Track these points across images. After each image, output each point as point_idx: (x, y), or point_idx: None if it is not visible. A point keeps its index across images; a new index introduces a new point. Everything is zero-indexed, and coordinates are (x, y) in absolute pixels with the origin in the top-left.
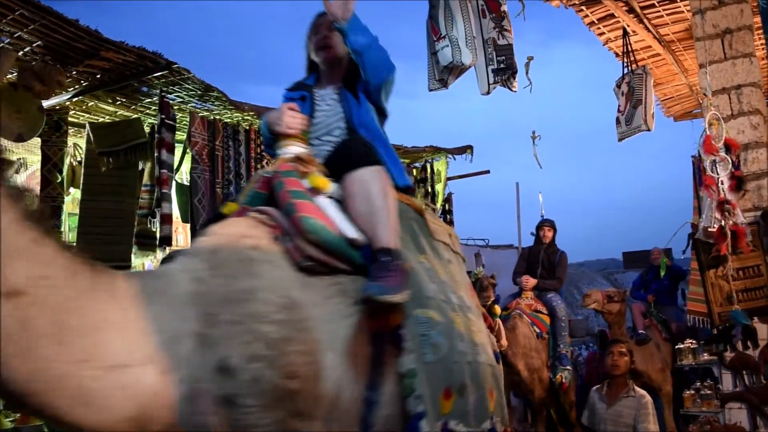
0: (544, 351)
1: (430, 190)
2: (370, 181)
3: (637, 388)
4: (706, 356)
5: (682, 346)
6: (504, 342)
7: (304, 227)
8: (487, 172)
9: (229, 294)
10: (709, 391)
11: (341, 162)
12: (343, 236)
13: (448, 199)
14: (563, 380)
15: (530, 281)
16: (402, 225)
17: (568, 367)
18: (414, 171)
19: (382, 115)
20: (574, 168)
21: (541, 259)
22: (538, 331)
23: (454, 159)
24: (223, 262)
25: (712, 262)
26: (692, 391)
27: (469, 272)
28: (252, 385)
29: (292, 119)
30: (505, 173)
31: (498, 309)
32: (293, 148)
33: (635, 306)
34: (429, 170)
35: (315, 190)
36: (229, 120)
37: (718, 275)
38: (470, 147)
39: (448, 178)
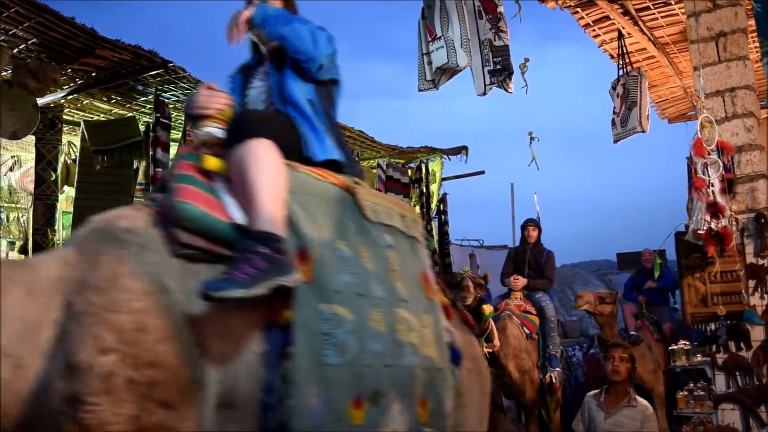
0: (534, 352)
1: (425, 190)
2: (245, 157)
3: (639, 398)
4: (699, 357)
5: (675, 347)
6: (497, 343)
7: (179, 214)
8: (482, 172)
9: (90, 280)
10: (702, 392)
11: (231, 138)
12: (233, 221)
13: (443, 200)
14: (553, 380)
15: (520, 281)
16: (312, 205)
17: (558, 368)
18: (409, 171)
19: (325, 86)
20: (568, 169)
21: (528, 259)
22: (527, 331)
23: (449, 159)
24: (92, 244)
25: (691, 263)
26: (685, 392)
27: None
28: (101, 382)
29: (206, 99)
30: (500, 174)
31: (488, 309)
32: (208, 129)
33: (627, 307)
34: (424, 171)
35: (208, 173)
36: None
37: (695, 277)
38: (465, 147)
39: (443, 179)
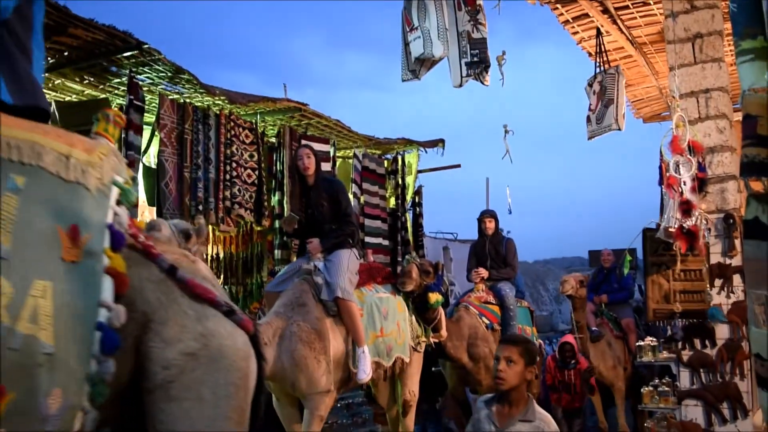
0: (494, 341)
1: (400, 182)
2: None
3: (540, 410)
4: (665, 354)
5: (642, 343)
6: (444, 333)
7: None
8: (458, 166)
9: None
10: (667, 388)
11: None
12: None
13: (418, 192)
14: None
15: (479, 274)
16: None
17: None
18: (385, 162)
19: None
20: (543, 167)
21: (489, 251)
22: (487, 321)
23: (426, 152)
24: None
25: (656, 259)
26: (650, 388)
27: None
28: None
29: None
30: (476, 168)
31: (434, 298)
32: None
33: (587, 305)
34: (400, 162)
35: None
36: (199, 104)
37: (659, 273)
38: (442, 141)
39: (419, 171)
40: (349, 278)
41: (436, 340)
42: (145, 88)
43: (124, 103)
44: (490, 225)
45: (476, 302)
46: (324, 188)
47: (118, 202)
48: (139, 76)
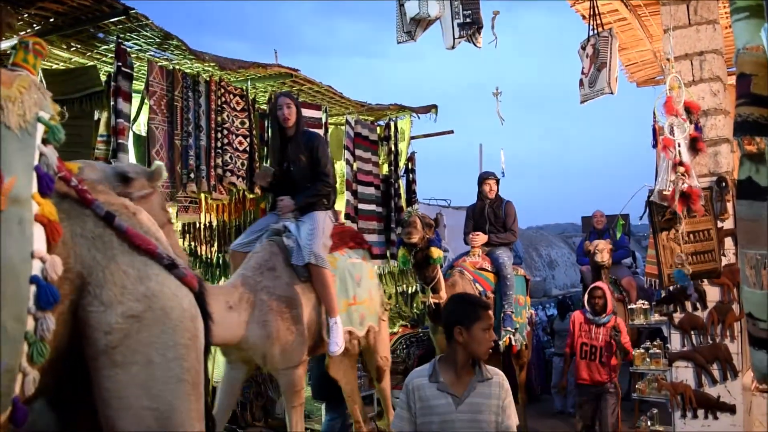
0: None
1: (393, 148)
2: None
3: (487, 366)
4: (657, 317)
5: (634, 306)
6: (443, 294)
7: None
8: (451, 132)
9: None
10: (658, 350)
11: None
12: None
13: (411, 158)
14: (512, 343)
15: (478, 238)
16: None
17: (509, 328)
18: (378, 129)
19: None
20: (536, 134)
21: (488, 215)
22: (481, 289)
23: (419, 118)
24: None
25: (664, 224)
26: (642, 350)
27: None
28: None
29: None
30: (469, 134)
31: (436, 253)
32: None
33: (585, 269)
34: (393, 128)
35: None
36: (188, 70)
37: (669, 238)
38: (435, 106)
39: (412, 137)
40: (323, 242)
41: (436, 301)
42: (133, 55)
43: (112, 70)
44: (493, 187)
45: (471, 267)
46: (303, 142)
47: (45, 141)
48: (126, 43)
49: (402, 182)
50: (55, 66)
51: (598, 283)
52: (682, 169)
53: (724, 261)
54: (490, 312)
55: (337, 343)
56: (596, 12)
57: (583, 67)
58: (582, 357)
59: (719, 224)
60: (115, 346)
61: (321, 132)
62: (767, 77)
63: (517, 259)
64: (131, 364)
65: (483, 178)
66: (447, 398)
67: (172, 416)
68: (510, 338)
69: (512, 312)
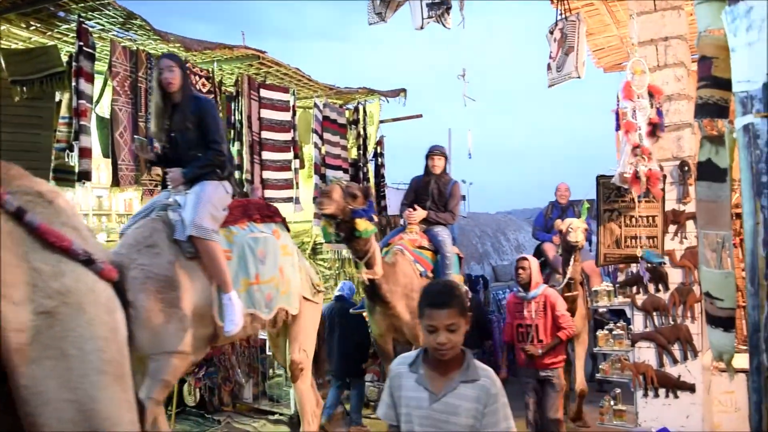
0: None
1: (362, 132)
2: None
3: (480, 365)
4: (620, 299)
5: (598, 288)
6: (378, 270)
7: None
8: (420, 116)
9: None
10: (621, 332)
11: None
12: None
13: (380, 142)
14: None
15: (415, 214)
16: None
17: None
18: (347, 112)
19: None
20: (505, 119)
21: (431, 191)
22: (422, 269)
23: (387, 102)
24: None
25: (610, 206)
26: (606, 331)
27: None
28: None
29: None
30: (438, 119)
31: (362, 225)
32: None
33: (548, 246)
34: (362, 112)
35: None
36: (153, 50)
37: (612, 219)
38: (404, 90)
39: (381, 121)
40: (211, 213)
41: (371, 277)
42: (95, 35)
43: (74, 50)
44: (438, 163)
45: (410, 246)
46: (191, 108)
47: None
48: (88, 22)
49: (371, 166)
50: (14, 45)
51: (525, 255)
52: (641, 152)
53: (686, 244)
54: (444, 312)
55: (232, 321)
56: None
57: (551, 52)
58: (519, 340)
59: (681, 208)
60: (29, 343)
61: (289, 115)
62: (728, 60)
63: (452, 240)
64: (45, 359)
65: (430, 152)
66: (423, 393)
67: (95, 407)
68: None
69: None
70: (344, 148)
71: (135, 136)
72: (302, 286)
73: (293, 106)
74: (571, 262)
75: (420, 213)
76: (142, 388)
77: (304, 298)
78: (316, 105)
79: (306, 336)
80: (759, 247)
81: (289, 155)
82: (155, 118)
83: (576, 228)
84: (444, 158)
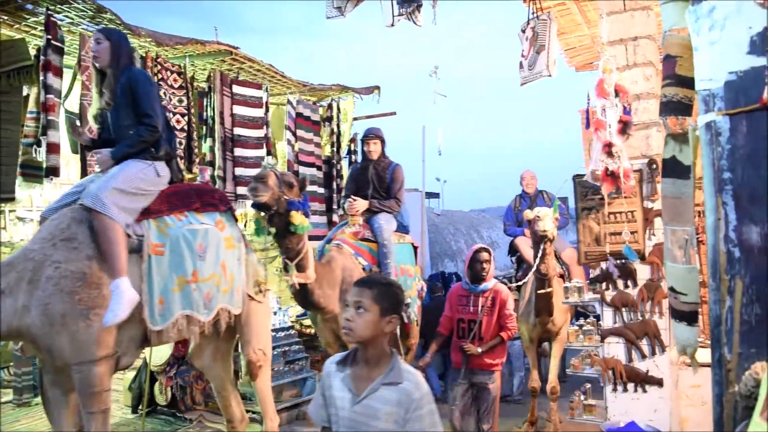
0: None
1: (335, 129)
2: None
3: (407, 367)
4: (590, 295)
5: (568, 284)
6: (310, 274)
7: None
8: (393, 113)
9: None
10: (591, 327)
11: None
12: None
13: (353, 140)
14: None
15: (356, 204)
16: None
17: None
18: (320, 109)
19: None
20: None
21: (371, 177)
22: (364, 263)
23: (361, 99)
24: None
25: (588, 204)
26: (576, 327)
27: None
28: None
29: None
30: (411, 117)
31: (298, 219)
32: None
33: (521, 240)
34: (335, 109)
35: None
36: None
37: (590, 217)
38: (377, 87)
39: (355, 119)
40: (119, 189)
41: (301, 281)
42: (64, 28)
43: (42, 44)
44: (374, 147)
45: (351, 239)
46: (121, 82)
47: None
48: (57, 15)
49: (344, 163)
50: None
51: (483, 245)
52: (612, 149)
53: (654, 240)
54: (357, 289)
55: (113, 311)
56: None
57: (523, 50)
58: (459, 336)
59: (649, 205)
60: None
61: (262, 111)
62: (691, 59)
63: (402, 228)
64: None
65: (364, 137)
66: (347, 393)
67: None
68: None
69: None
70: (318, 145)
71: (70, 117)
72: (247, 283)
73: (266, 102)
74: (540, 255)
75: (361, 203)
76: (86, 422)
77: (249, 297)
78: (289, 102)
79: (259, 337)
80: (720, 243)
81: (262, 152)
82: (93, 100)
83: (544, 216)
84: (381, 141)
